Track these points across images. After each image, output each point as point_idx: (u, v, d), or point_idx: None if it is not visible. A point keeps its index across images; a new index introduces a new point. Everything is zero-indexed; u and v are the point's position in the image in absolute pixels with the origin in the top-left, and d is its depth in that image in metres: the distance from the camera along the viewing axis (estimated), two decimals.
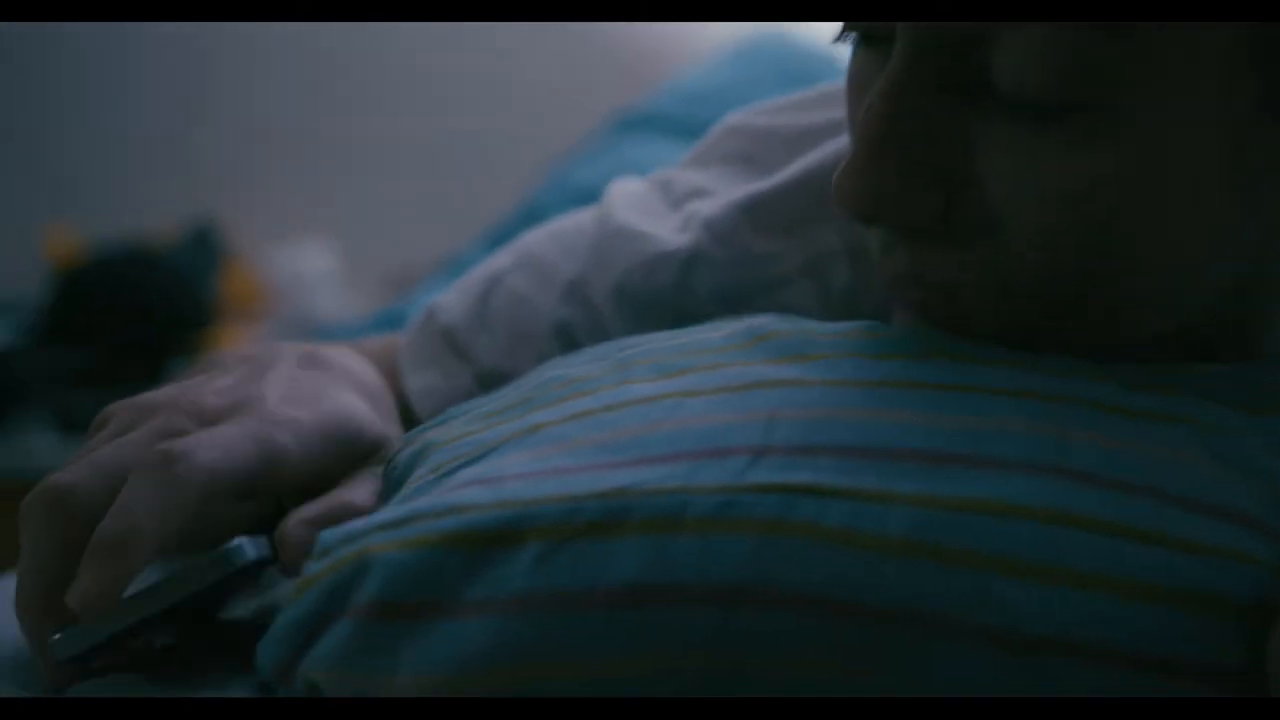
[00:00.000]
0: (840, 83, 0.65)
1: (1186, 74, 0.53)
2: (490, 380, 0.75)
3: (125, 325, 2.01)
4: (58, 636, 0.55)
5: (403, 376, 0.77)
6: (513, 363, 0.74)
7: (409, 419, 0.74)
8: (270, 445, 0.59)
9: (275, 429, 0.59)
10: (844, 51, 0.62)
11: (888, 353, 0.58)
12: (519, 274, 0.77)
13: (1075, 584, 0.49)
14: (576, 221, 0.79)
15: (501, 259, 0.79)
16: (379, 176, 2.40)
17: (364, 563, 0.53)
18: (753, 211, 0.71)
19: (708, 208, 0.73)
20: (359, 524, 0.55)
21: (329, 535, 0.55)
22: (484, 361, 0.76)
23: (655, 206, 0.76)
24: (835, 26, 0.60)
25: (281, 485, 0.60)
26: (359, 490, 0.60)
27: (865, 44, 0.60)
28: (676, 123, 1.57)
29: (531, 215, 1.46)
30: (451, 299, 0.79)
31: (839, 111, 0.72)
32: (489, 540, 0.52)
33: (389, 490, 0.60)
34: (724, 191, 0.74)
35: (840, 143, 0.71)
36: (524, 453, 0.56)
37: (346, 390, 0.65)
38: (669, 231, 0.73)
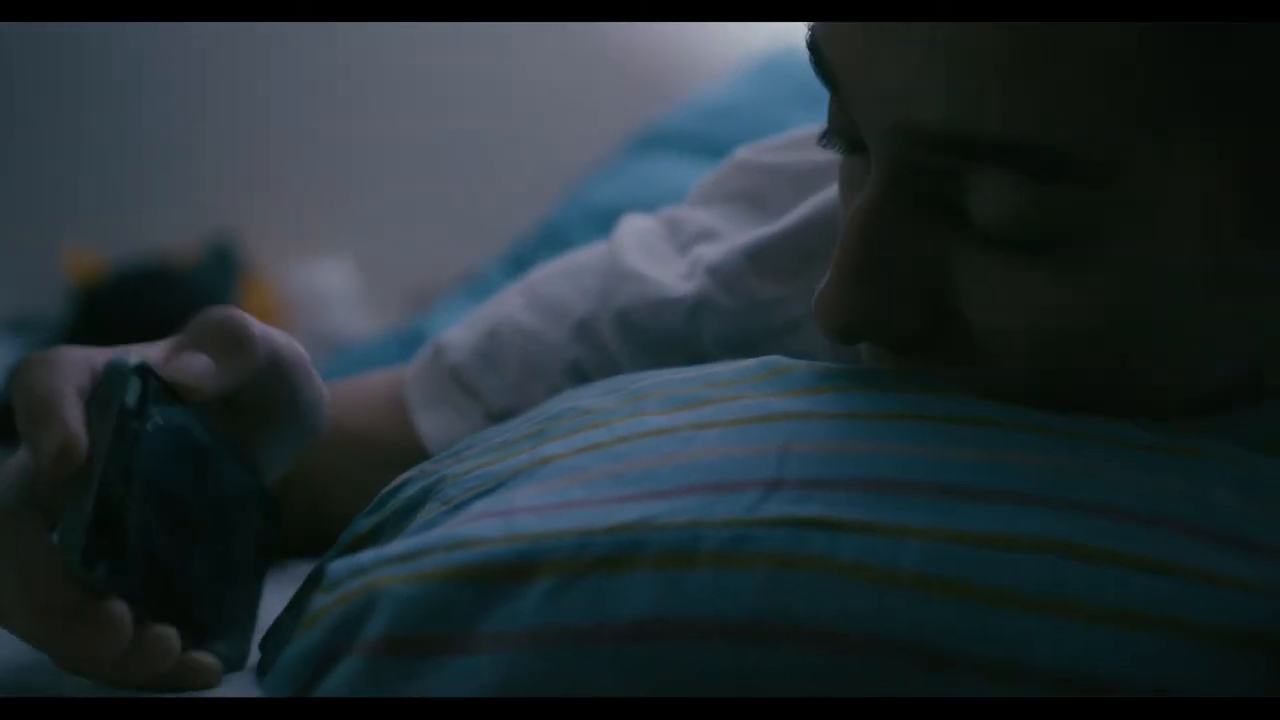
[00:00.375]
0: None
1: (1161, 208, 0.53)
2: (502, 418, 0.75)
3: (145, 342, 2.02)
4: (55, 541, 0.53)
5: (413, 414, 0.77)
6: (525, 400, 0.74)
7: (422, 457, 0.74)
8: (253, 356, 0.58)
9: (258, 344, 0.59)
10: None
11: (900, 387, 0.57)
12: (529, 312, 0.77)
13: (1089, 618, 0.48)
14: (586, 259, 0.78)
15: (511, 297, 0.79)
16: (397, 193, 2.40)
17: (373, 597, 0.52)
18: (758, 257, 0.71)
19: (712, 253, 0.73)
20: (367, 556, 0.54)
21: (336, 568, 0.55)
22: (494, 400, 0.76)
23: (663, 249, 0.76)
24: None
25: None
26: (197, 360, 0.57)
27: (850, 152, 0.60)
28: (695, 140, 1.57)
29: (552, 234, 1.46)
30: (459, 336, 0.78)
31: None
32: (500, 574, 0.52)
33: (400, 520, 0.60)
34: (730, 234, 0.74)
35: None
36: (536, 485, 0.56)
37: None
38: (675, 278, 0.73)
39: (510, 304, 0.79)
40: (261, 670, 0.56)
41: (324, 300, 2.29)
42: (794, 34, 0.59)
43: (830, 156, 0.71)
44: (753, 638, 0.49)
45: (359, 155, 2.40)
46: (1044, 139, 0.52)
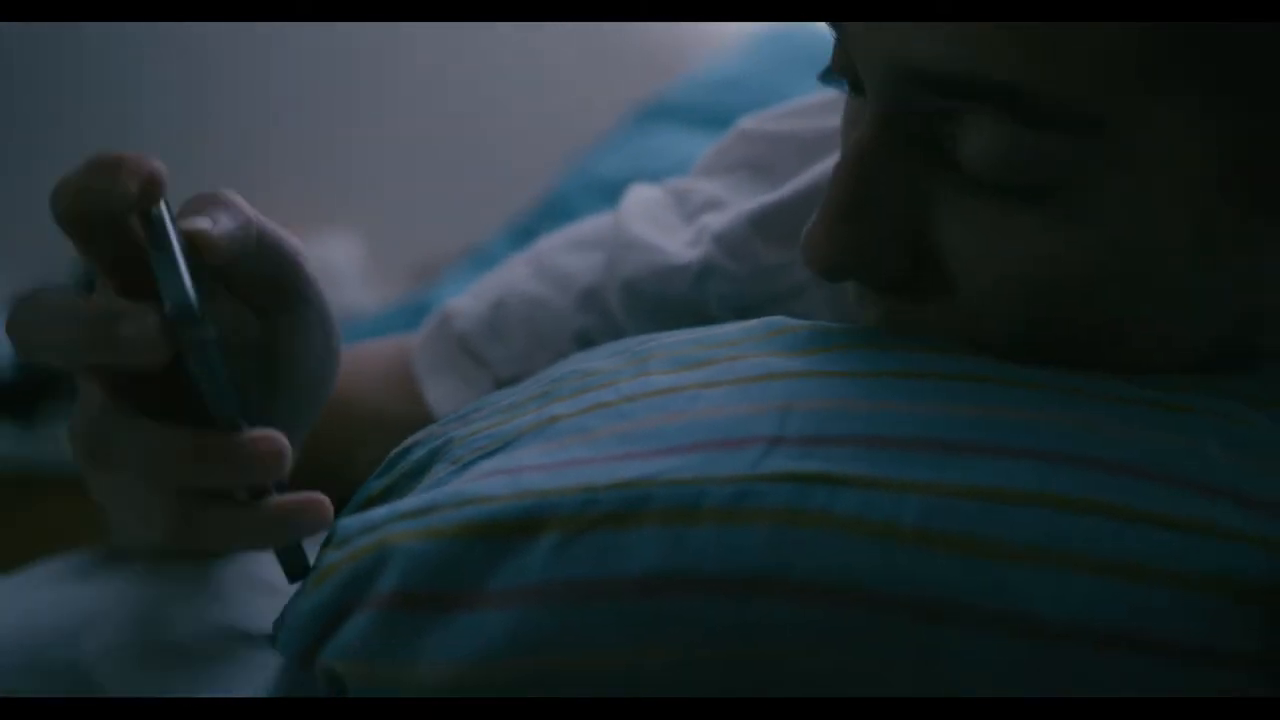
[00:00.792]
0: None
1: (1145, 160, 0.54)
2: (508, 385, 0.75)
3: None
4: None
5: (421, 382, 0.78)
6: (531, 368, 0.75)
7: (429, 423, 0.74)
8: (245, 216, 0.57)
9: (246, 208, 0.58)
10: None
11: (900, 345, 0.58)
12: (536, 281, 0.78)
13: (1089, 569, 0.49)
14: (593, 228, 0.79)
15: (517, 266, 0.80)
16: (402, 167, 2.40)
17: (384, 553, 0.53)
18: (763, 223, 0.72)
19: (719, 220, 0.73)
20: (378, 513, 0.55)
21: (347, 524, 0.56)
22: (502, 369, 0.76)
23: (669, 219, 0.77)
24: None
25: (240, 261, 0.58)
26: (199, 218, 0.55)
27: (853, 91, 0.60)
28: (698, 111, 1.57)
29: (555, 207, 1.46)
30: (466, 304, 0.79)
31: None
32: (508, 530, 0.52)
33: (409, 482, 0.61)
34: (736, 203, 0.74)
35: None
36: (543, 444, 0.56)
37: None
38: (681, 245, 0.74)
39: (517, 273, 0.80)
40: (276, 627, 0.57)
41: (331, 274, 2.29)
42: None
43: (833, 124, 0.71)
44: (756, 591, 0.50)
45: (364, 130, 2.40)
46: (1038, 85, 0.53)
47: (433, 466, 0.60)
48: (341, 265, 2.31)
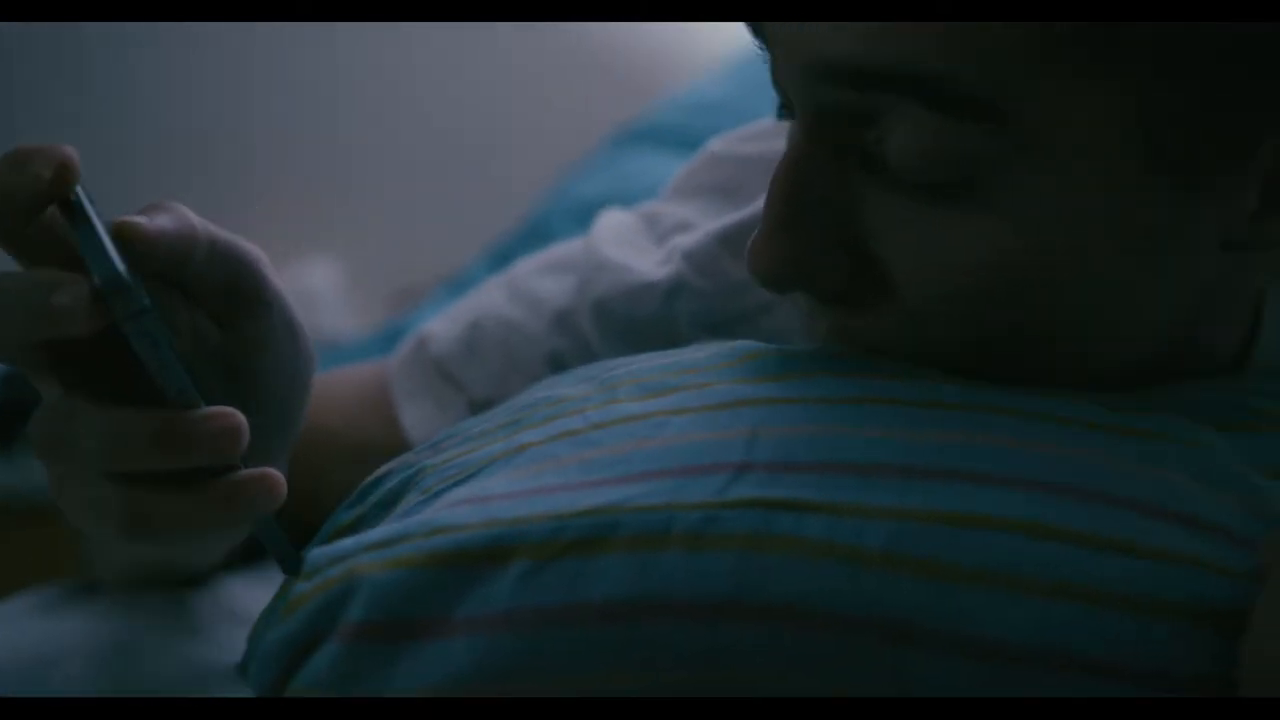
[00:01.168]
0: None
1: (1065, 149, 0.54)
2: (484, 408, 0.75)
3: None
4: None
5: (397, 406, 0.78)
6: (506, 391, 0.75)
7: (405, 445, 0.75)
8: (189, 219, 0.56)
9: (192, 215, 0.57)
10: None
11: (865, 371, 0.58)
12: (510, 304, 0.78)
13: (1051, 594, 0.50)
14: (565, 252, 0.79)
15: (492, 290, 0.80)
16: (383, 193, 2.40)
17: (352, 583, 0.53)
18: (730, 241, 0.72)
19: (688, 240, 0.74)
20: (347, 543, 0.55)
21: (317, 555, 0.56)
22: (476, 391, 0.77)
23: (640, 241, 0.77)
24: None
25: (190, 267, 0.57)
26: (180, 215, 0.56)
27: (787, 111, 0.61)
28: (677, 134, 1.57)
29: (534, 230, 1.46)
30: (441, 328, 0.79)
31: None
32: (476, 559, 0.53)
33: (380, 512, 0.61)
34: (706, 225, 0.75)
35: None
36: (511, 472, 0.57)
37: None
38: (652, 265, 0.74)
39: (492, 297, 0.80)
40: (246, 659, 0.57)
41: (312, 299, 2.29)
42: None
43: None
44: (724, 616, 0.50)
45: (345, 156, 2.40)
46: (949, 74, 0.53)
47: (405, 496, 0.60)
48: (322, 291, 2.32)
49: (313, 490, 0.71)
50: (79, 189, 0.53)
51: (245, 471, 0.54)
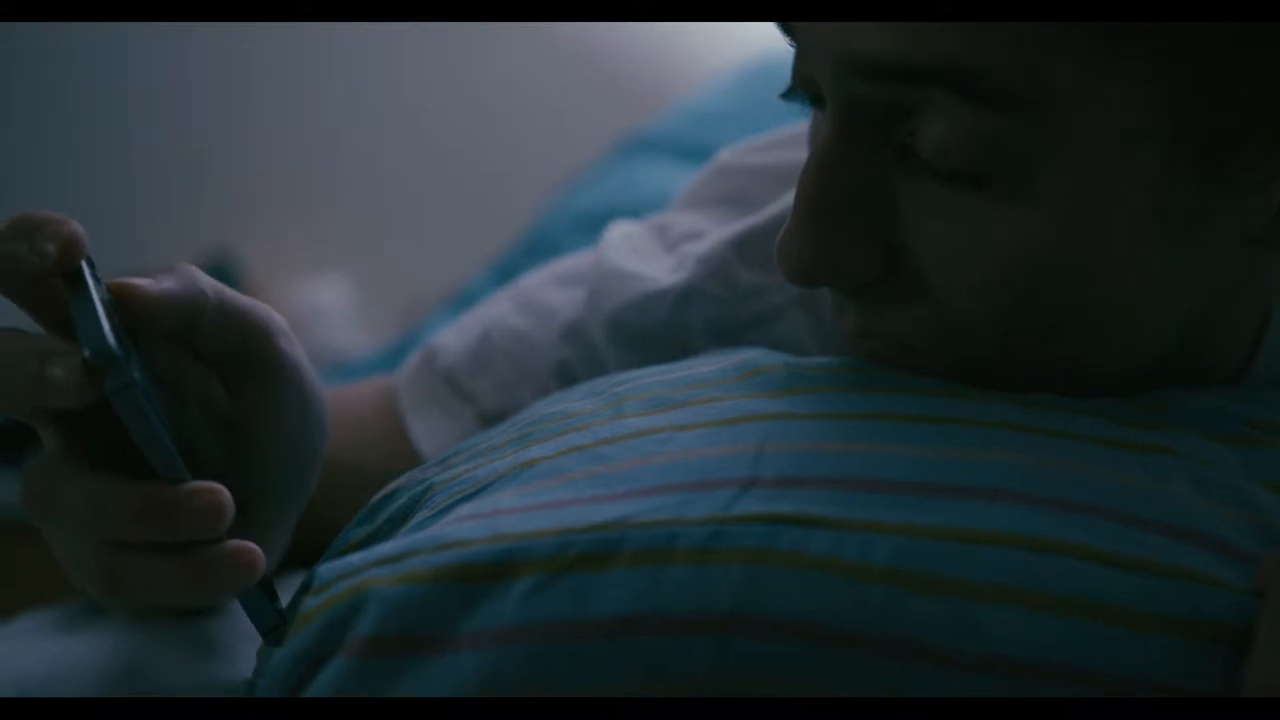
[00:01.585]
0: None
1: (1094, 136, 0.54)
2: (493, 420, 0.76)
3: None
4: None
5: (405, 419, 0.78)
6: (515, 402, 0.75)
7: (415, 460, 0.75)
8: (196, 282, 0.57)
9: (201, 278, 0.57)
10: None
11: (872, 387, 0.59)
12: (519, 315, 0.78)
13: (1057, 610, 0.50)
14: (575, 264, 0.80)
15: (501, 303, 0.80)
16: (391, 209, 2.41)
17: (361, 598, 0.54)
18: (743, 247, 0.72)
19: (700, 246, 0.74)
20: (356, 559, 0.56)
21: (326, 570, 0.56)
22: (485, 402, 0.77)
23: (650, 249, 0.77)
24: None
25: (198, 330, 0.58)
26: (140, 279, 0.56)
27: (814, 104, 0.61)
28: (681, 144, 1.57)
29: (538, 242, 1.46)
30: (450, 340, 0.80)
31: None
32: (483, 574, 0.53)
33: (392, 529, 0.61)
34: (716, 233, 0.75)
35: None
36: (519, 487, 0.57)
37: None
38: (663, 272, 0.74)
39: (500, 309, 0.80)
40: (256, 675, 0.57)
41: (322, 317, 2.30)
42: (778, 39, 0.61)
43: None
44: (730, 631, 0.50)
45: (354, 172, 2.41)
46: (980, 65, 0.53)
47: (415, 512, 0.60)
48: (332, 308, 2.32)
49: (318, 507, 0.72)
50: (83, 263, 0.53)
51: (225, 544, 0.54)
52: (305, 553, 0.67)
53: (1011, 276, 0.56)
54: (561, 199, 1.61)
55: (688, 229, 0.77)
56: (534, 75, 2.35)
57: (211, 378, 0.59)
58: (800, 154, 0.76)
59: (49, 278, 0.53)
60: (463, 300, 1.38)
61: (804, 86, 0.60)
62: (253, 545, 0.54)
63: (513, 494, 0.56)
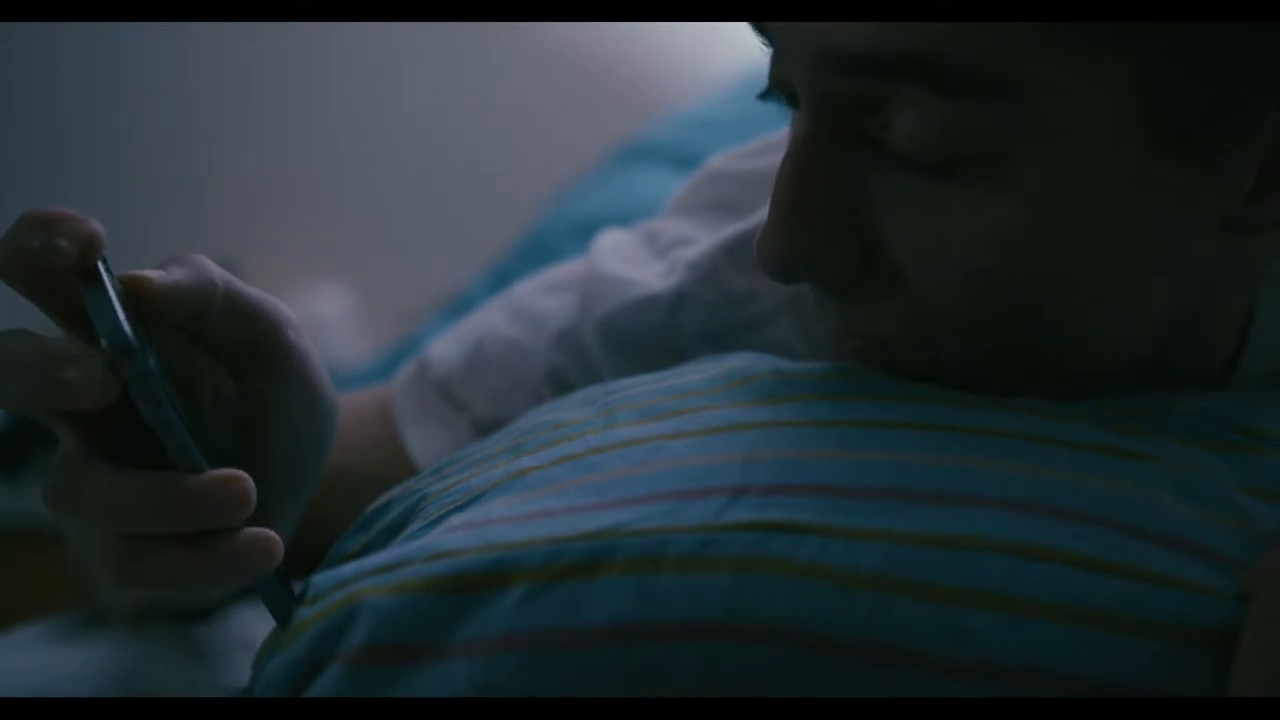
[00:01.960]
0: None
1: (1069, 122, 0.54)
2: (488, 428, 0.76)
3: None
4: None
5: (400, 428, 0.78)
6: (509, 410, 0.76)
7: (411, 470, 0.75)
8: (207, 273, 0.57)
9: (211, 268, 0.58)
10: None
11: (861, 394, 0.59)
12: (511, 324, 0.78)
13: (1044, 616, 0.50)
14: (566, 273, 0.80)
15: (493, 312, 0.81)
16: (391, 217, 2.41)
17: (355, 607, 0.54)
18: (733, 252, 0.73)
19: (691, 251, 0.74)
20: (350, 569, 0.56)
21: (320, 580, 0.56)
22: (480, 410, 0.77)
23: (641, 255, 0.77)
24: None
25: (208, 322, 0.58)
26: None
27: (790, 104, 0.61)
28: (677, 151, 1.57)
29: (534, 248, 1.46)
30: (444, 350, 0.80)
31: None
32: (476, 583, 0.53)
33: (387, 539, 0.61)
34: (707, 238, 0.75)
35: None
36: (511, 496, 0.57)
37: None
38: (654, 278, 0.75)
39: (493, 317, 0.80)
40: (251, 684, 0.58)
41: (322, 326, 2.30)
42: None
43: None
44: (720, 637, 0.51)
45: (352, 180, 2.41)
46: (950, 55, 0.53)
47: (409, 523, 0.61)
48: (332, 318, 2.32)
49: (314, 516, 0.72)
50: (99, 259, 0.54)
51: (245, 532, 0.54)
52: (302, 561, 0.67)
53: (986, 267, 0.56)
54: (559, 205, 1.62)
55: (678, 235, 0.78)
56: (529, 83, 2.35)
57: (221, 369, 0.59)
58: None
59: (63, 273, 0.53)
60: (459, 306, 1.39)
61: (780, 88, 0.61)
62: (271, 533, 0.54)
63: (505, 503, 0.57)
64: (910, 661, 0.50)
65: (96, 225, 0.53)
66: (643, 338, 0.74)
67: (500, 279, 1.37)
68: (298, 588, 0.58)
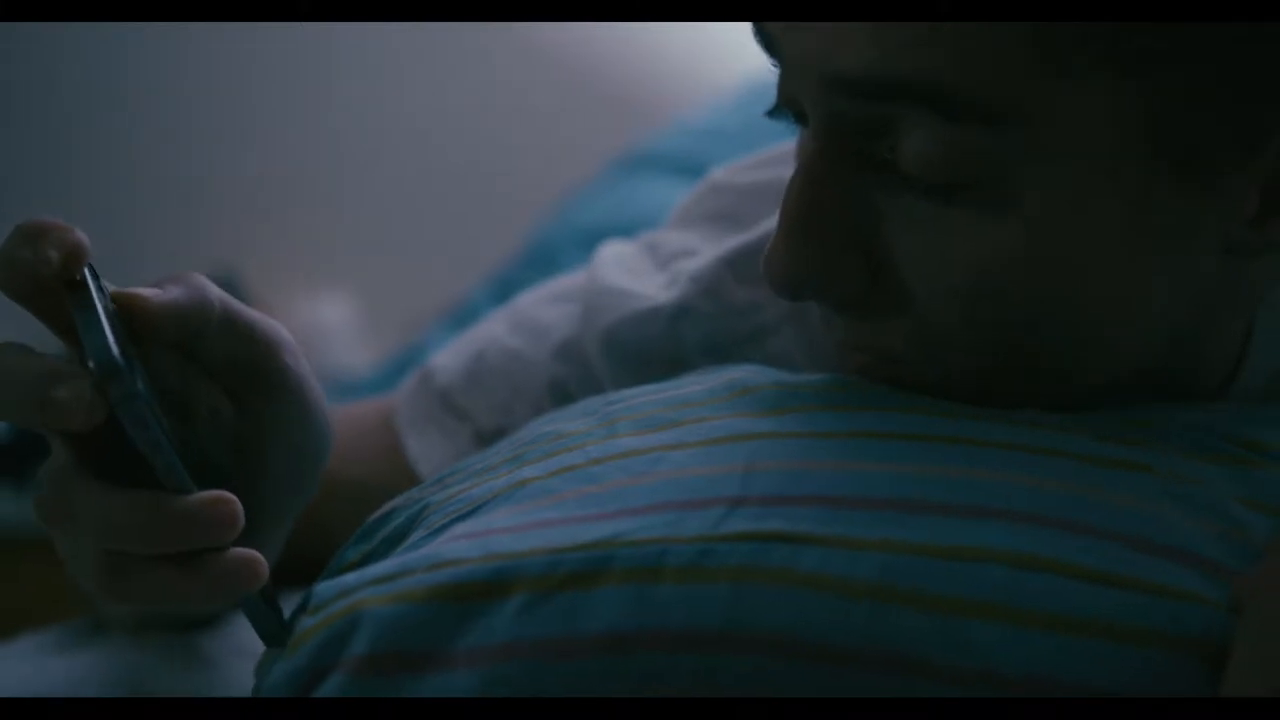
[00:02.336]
0: None
1: (1073, 145, 0.55)
2: (490, 438, 0.76)
3: None
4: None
5: (402, 438, 0.79)
6: (510, 420, 0.76)
7: (412, 480, 0.75)
8: (203, 292, 0.57)
9: (208, 287, 0.58)
10: None
11: (860, 405, 0.59)
12: (513, 335, 0.79)
13: (1043, 625, 0.50)
14: (568, 284, 0.80)
15: (496, 323, 0.81)
16: (394, 226, 2.41)
17: (356, 616, 0.54)
18: (736, 264, 0.73)
19: (693, 263, 0.75)
20: (351, 578, 0.56)
21: (322, 589, 0.57)
22: (482, 421, 0.77)
23: (643, 267, 0.78)
24: None
25: (204, 341, 0.58)
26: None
27: (798, 121, 0.62)
28: (682, 160, 1.57)
29: (538, 256, 1.47)
30: (446, 361, 0.80)
31: None
32: (476, 593, 0.54)
33: (388, 549, 0.62)
34: (709, 250, 0.75)
35: None
36: (512, 507, 0.58)
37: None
38: (656, 289, 0.75)
39: (495, 328, 0.81)
40: (254, 692, 0.58)
41: (326, 334, 2.30)
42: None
43: None
44: (718, 647, 0.51)
45: (355, 189, 2.42)
46: (952, 80, 0.54)
47: (411, 533, 0.61)
48: (335, 327, 2.32)
49: (316, 525, 0.72)
50: (86, 271, 0.54)
51: (231, 553, 0.54)
52: (303, 571, 0.67)
53: (990, 288, 0.57)
54: (563, 213, 1.62)
55: (680, 247, 0.78)
56: (533, 90, 2.35)
57: (217, 389, 0.60)
58: (790, 172, 0.77)
59: (51, 284, 0.53)
60: (462, 314, 1.39)
61: (788, 105, 0.61)
62: (256, 554, 0.54)
63: (506, 513, 0.57)
64: (915, 671, 0.50)
65: (80, 235, 0.53)
66: (644, 349, 0.74)
67: (504, 287, 1.37)
68: (299, 597, 0.58)
